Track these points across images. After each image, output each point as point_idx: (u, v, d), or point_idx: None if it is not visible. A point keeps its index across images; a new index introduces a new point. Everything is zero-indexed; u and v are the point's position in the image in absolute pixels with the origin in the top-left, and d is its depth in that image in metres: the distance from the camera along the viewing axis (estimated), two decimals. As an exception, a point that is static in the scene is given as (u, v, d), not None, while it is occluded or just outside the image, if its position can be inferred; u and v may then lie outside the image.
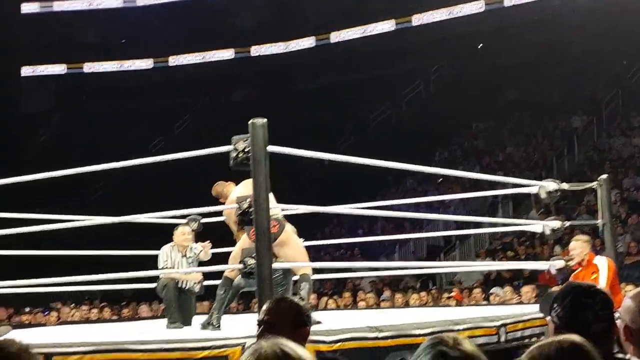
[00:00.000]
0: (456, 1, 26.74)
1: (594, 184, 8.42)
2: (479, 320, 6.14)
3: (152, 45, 30.51)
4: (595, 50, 22.98)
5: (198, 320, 7.14)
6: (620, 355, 2.61)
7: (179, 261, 7.43)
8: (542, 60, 24.60)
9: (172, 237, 7.57)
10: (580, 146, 21.20)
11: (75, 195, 23.77)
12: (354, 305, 12.74)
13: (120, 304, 14.64)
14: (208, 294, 8.72)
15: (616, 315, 2.68)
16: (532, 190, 8.35)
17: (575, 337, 2.22)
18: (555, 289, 7.23)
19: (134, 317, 12.32)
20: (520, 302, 10.60)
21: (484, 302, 11.63)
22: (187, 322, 7.33)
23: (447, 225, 17.89)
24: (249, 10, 30.97)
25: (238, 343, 4.75)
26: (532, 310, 6.48)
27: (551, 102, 24.03)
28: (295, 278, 6.82)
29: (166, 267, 7.38)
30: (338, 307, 12.25)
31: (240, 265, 5.57)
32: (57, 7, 31.13)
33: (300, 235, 7.02)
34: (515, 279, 14.50)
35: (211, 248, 7.74)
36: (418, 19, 27.61)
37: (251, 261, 5.34)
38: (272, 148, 5.28)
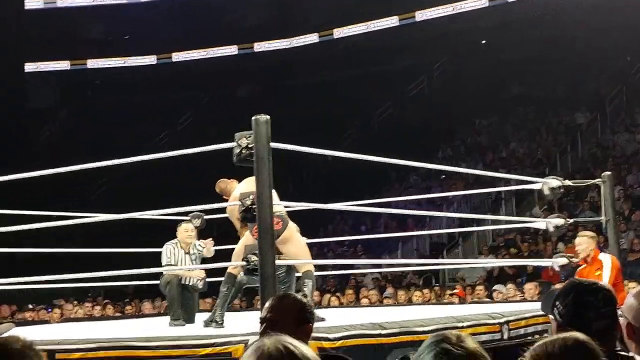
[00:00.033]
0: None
1: (597, 181, 8.42)
2: (482, 318, 6.13)
3: (156, 41, 30.49)
4: (599, 46, 22.94)
5: (201, 317, 7.14)
6: (623, 353, 2.60)
7: (182, 258, 7.44)
8: (546, 56, 24.56)
9: (176, 234, 7.57)
10: (584, 143, 21.18)
11: (78, 191, 23.79)
12: (356, 302, 12.74)
13: (123, 301, 14.66)
14: (211, 290, 8.73)
15: (619, 312, 2.68)
16: (536, 187, 8.34)
17: (579, 335, 2.21)
18: (558, 286, 7.23)
19: (137, 314, 12.34)
20: (524, 299, 10.59)
21: (487, 299, 11.62)
22: (190, 319, 7.34)
23: (450, 222, 17.89)
24: (252, 6, 30.94)
25: (241, 340, 4.75)
26: (535, 307, 6.46)
27: (555, 98, 24.00)
28: (297, 275, 6.82)
29: (169, 264, 7.38)
30: (341, 304, 12.25)
31: (243, 262, 5.57)
32: (60, 3, 31.12)
33: (302, 232, 7.02)
34: (519, 276, 14.50)
35: (214, 245, 7.75)
36: (421, 15, 27.56)
37: (254, 258, 5.34)
38: (275, 144, 5.27)
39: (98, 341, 5.11)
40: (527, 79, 25.34)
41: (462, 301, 11.82)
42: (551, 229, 8.18)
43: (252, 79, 29.80)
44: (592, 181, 8.76)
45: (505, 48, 25.83)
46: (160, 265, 7.44)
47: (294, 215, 6.85)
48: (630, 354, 2.59)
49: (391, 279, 16.21)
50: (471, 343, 2.05)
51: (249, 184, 6.12)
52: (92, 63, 31.30)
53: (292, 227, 6.55)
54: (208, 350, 4.78)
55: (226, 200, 7.04)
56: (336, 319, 6.27)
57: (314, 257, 6.90)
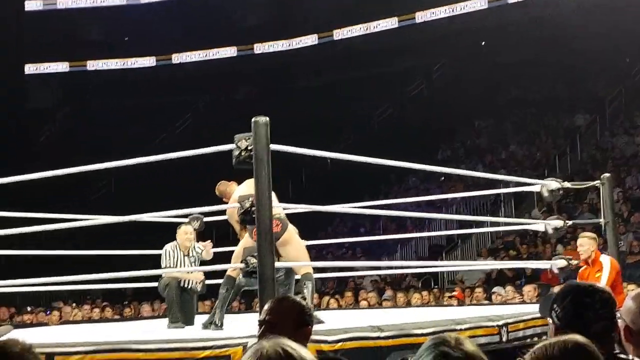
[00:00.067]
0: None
1: (596, 183, 8.44)
2: (480, 320, 6.14)
3: (155, 43, 30.50)
4: (598, 48, 22.95)
5: (200, 319, 7.14)
6: (622, 356, 2.61)
7: (182, 260, 7.44)
8: (545, 58, 24.57)
9: (175, 236, 7.57)
10: (583, 145, 21.18)
11: (77, 193, 23.79)
12: (355, 304, 12.74)
13: (122, 304, 14.66)
14: (210, 293, 8.73)
15: (617, 314, 2.68)
16: (535, 189, 8.35)
17: (579, 338, 2.22)
18: (557, 288, 7.24)
19: (136, 317, 12.33)
20: (522, 302, 10.59)
21: (486, 302, 11.62)
22: (188, 321, 7.34)
23: (449, 224, 17.89)
24: (252, 9, 30.96)
25: (240, 343, 4.75)
26: (534, 309, 6.47)
27: (554, 100, 24.01)
28: (297, 277, 6.82)
29: (168, 267, 7.38)
30: (340, 307, 12.25)
31: (242, 265, 5.56)
32: (60, 4, 31.12)
33: (301, 234, 7.02)
34: (517, 278, 14.51)
35: (213, 247, 7.75)
36: (421, 17, 27.58)
37: (253, 260, 5.34)
38: (274, 146, 5.27)
39: (97, 344, 5.11)
40: (526, 81, 25.35)
41: (461, 303, 11.82)
42: (550, 231, 8.18)
43: (252, 81, 29.81)
44: (591, 183, 8.78)
45: (505, 50, 25.84)
46: (159, 268, 7.43)
47: (293, 218, 6.85)
48: (630, 356, 2.59)
49: (390, 281, 16.21)
50: (470, 346, 2.05)
51: (248, 187, 6.12)
52: (92, 65, 31.31)
53: (292, 230, 6.55)
54: (207, 352, 4.78)
55: (226, 203, 7.04)
56: (335, 322, 6.27)
57: (312, 259, 6.90)
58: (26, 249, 10.37)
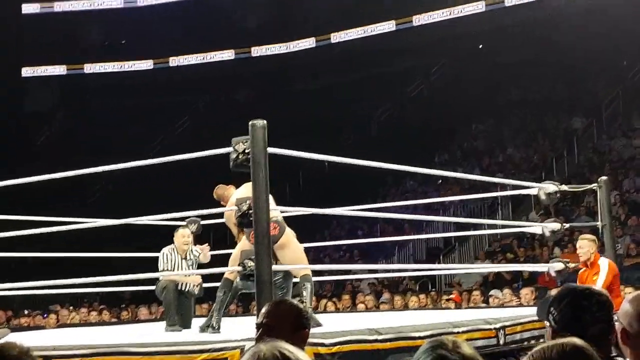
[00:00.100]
0: (457, 1, 26.72)
1: (593, 186, 8.44)
2: (478, 323, 6.13)
3: (153, 46, 30.50)
4: (596, 51, 22.98)
5: (197, 322, 7.14)
6: (619, 359, 2.61)
7: (179, 263, 7.43)
8: (543, 60, 24.59)
9: (173, 239, 7.57)
10: (581, 147, 21.20)
11: (74, 196, 23.76)
12: (353, 307, 12.74)
13: (119, 307, 14.64)
14: (207, 296, 8.73)
15: (615, 317, 2.68)
16: (532, 191, 8.36)
17: (577, 341, 2.22)
18: (554, 291, 7.24)
19: (133, 320, 12.32)
20: (520, 305, 10.60)
21: (483, 305, 11.63)
22: (186, 324, 7.33)
23: (446, 227, 17.89)
24: (250, 11, 30.95)
25: (237, 346, 4.74)
26: (532, 312, 6.47)
27: (551, 103, 24.03)
28: (295, 280, 6.82)
29: (166, 270, 7.38)
30: (337, 310, 12.25)
31: (240, 268, 5.56)
32: (57, 7, 31.10)
33: (299, 237, 7.02)
34: (515, 281, 14.51)
35: (210, 250, 7.75)
36: (418, 19, 27.59)
37: (250, 263, 5.33)
38: (272, 149, 5.27)
39: (94, 347, 5.11)
40: (523, 83, 25.38)
41: (459, 306, 11.83)
42: (547, 233, 8.19)
43: (249, 84, 29.81)
44: (589, 186, 8.78)
45: (502, 52, 25.87)
46: (157, 271, 7.43)
47: (290, 220, 6.86)
48: (627, 359, 2.59)
49: (387, 284, 16.21)
50: (467, 349, 2.06)
51: (246, 190, 6.13)
52: (89, 68, 31.30)
53: (289, 233, 6.55)
54: (204, 355, 4.77)
55: (224, 206, 7.04)
56: (332, 325, 6.27)
57: (310, 262, 6.89)
58: (23, 252, 10.36)
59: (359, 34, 28.54)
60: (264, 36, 29.86)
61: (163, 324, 7.45)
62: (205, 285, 7.72)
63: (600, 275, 7.70)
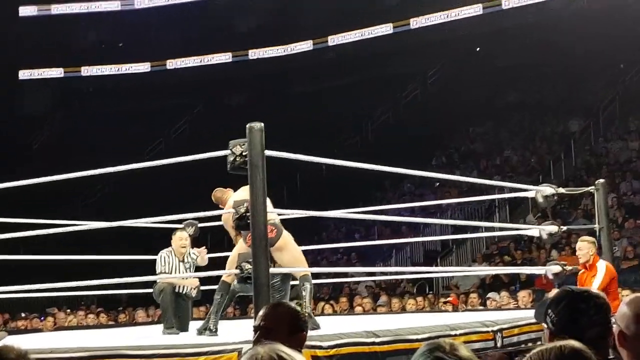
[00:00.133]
0: (454, 4, 26.75)
1: (591, 189, 8.45)
2: (475, 326, 6.13)
3: (150, 49, 30.51)
4: (593, 54, 23.01)
5: (194, 325, 7.13)
6: (617, 361, 2.61)
7: (177, 266, 7.43)
8: (540, 63, 24.64)
9: (170, 242, 7.56)
10: (578, 150, 21.23)
11: (71, 198, 23.74)
12: (350, 310, 12.73)
13: (116, 310, 14.63)
14: (205, 299, 8.72)
15: (612, 320, 2.68)
16: (529, 194, 8.36)
17: (575, 343, 2.22)
18: (551, 293, 7.24)
19: (131, 323, 12.30)
20: (517, 307, 10.60)
21: (481, 307, 11.63)
22: (183, 327, 7.32)
23: (443, 229, 17.90)
24: (247, 14, 30.98)
25: (234, 349, 4.74)
26: (529, 315, 6.47)
27: (548, 105, 24.06)
28: (294, 283, 6.82)
29: (163, 272, 7.37)
30: (335, 312, 12.24)
31: (237, 270, 5.56)
32: (55, 10, 31.10)
33: (296, 240, 7.01)
34: (512, 284, 14.52)
35: (208, 253, 7.74)
36: (416, 22, 27.62)
37: (248, 266, 5.33)
38: (269, 152, 5.27)
39: (91, 349, 5.10)
40: (521, 86, 25.41)
41: (456, 309, 11.82)
42: (545, 236, 8.19)
43: (246, 87, 29.82)
44: (586, 189, 8.79)
45: (499, 55, 25.91)
46: (154, 273, 7.42)
47: (287, 223, 6.85)
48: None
49: (385, 286, 16.21)
50: (464, 351, 2.06)
51: (244, 193, 6.12)
52: (86, 70, 31.29)
53: (287, 235, 6.55)
54: (202, 358, 4.77)
55: (222, 209, 7.04)
56: (330, 327, 6.26)
57: (307, 264, 6.88)
58: (20, 255, 10.35)
59: (357, 37, 28.57)
60: (261, 39, 29.87)
61: (160, 326, 7.44)
62: (202, 287, 7.71)
63: (597, 277, 7.71)
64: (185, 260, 7.50)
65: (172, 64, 31.01)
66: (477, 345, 5.73)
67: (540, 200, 8.05)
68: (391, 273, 16.06)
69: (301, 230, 8.27)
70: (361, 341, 5.17)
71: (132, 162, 6.38)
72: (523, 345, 6.15)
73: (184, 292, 7.47)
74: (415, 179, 21.03)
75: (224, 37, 30.48)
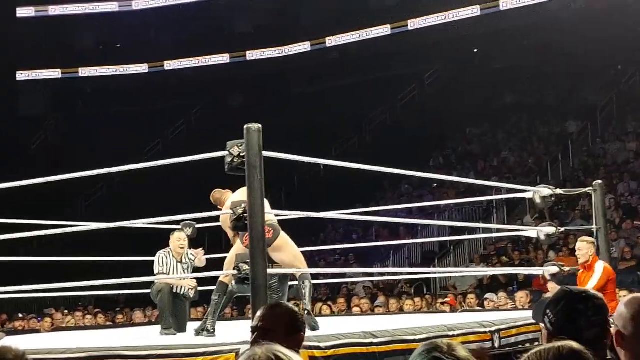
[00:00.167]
0: (452, 6, 26.77)
1: (588, 189, 8.46)
2: (473, 326, 6.14)
3: (148, 50, 30.50)
4: (591, 55, 23.03)
5: (192, 326, 7.13)
6: (615, 362, 2.61)
7: (174, 267, 7.43)
8: (537, 64, 24.65)
9: (168, 242, 7.56)
10: (575, 151, 21.24)
11: (70, 199, 23.74)
12: (348, 311, 12.73)
13: (114, 310, 14.62)
14: (202, 299, 8.71)
15: (611, 320, 2.68)
16: (527, 195, 8.37)
17: (573, 344, 2.22)
18: (549, 294, 7.25)
19: (128, 324, 12.30)
20: (515, 308, 10.60)
21: (479, 308, 11.63)
22: (181, 328, 7.32)
23: (441, 230, 17.91)
24: (245, 15, 30.98)
25: (232, 349, 4.74)
26: (526, 315, 6.48)
27: (546, 107, 24.08)
28: (291, 283, 6.82)
29: (161, 273, 7.36)
30: (332, 313, 12.24)
31: (235, 271, 5.56)
32: (52, 11, 31.08)
33: (294, 241, 7.01)
34: (510, 285, 14.53)
35: (205, 254, 7.74)
36: (414, 24, 27.63)
37: (245, 267, 5.33)
38: (267, 153, 5.27)
39: (89, 350, 5.10)
40: (518, 87, 25.43)
41: (454, 310, 11.82)
42: (542, 237, 8.20)
43: (244, 88, 29.81)
44: (583, 190, 8.81)
45: (497, 57, 25.93)
46: (152, 274, 7.42)
47: (285, 224, 6.85)
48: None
49: (383, 287, 16.21)
50: (462, 352, 2.06)
51: (242, 194, 6.12)
52: (84, 71, 31.27)
53: (284, 236, 6.55)
54: (199, 359, 4.77)
55: (221, 210, 7.03)
56: (328, 328, 6.26)
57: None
58: (17, 256, 10.34)
59: (355, 38, 28.58)
60: (259, 40, 29.87)
61: (158, 327, 7.43)
62: (200, 288, 7.71)
63: (593, 277, 7.72)
64: (183, 260, 7.49)
65: (169, 65, 31.00)
66: (474, 346, 5.73)
67: (538, 201, 8.05)
68: (389, 274, 16.07)
69: (299, 231, 8.27)
70: (359, 342, 5.17)
71: (130, 162, 6.38)
72: (520, 346, 6.16)
73: (181, 293, 7.47)
74: (413, 180, 21.03)
75: (222, 38, 30.49)
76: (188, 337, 6.70)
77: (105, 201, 25.15)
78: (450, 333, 5.72)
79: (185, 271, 7.43)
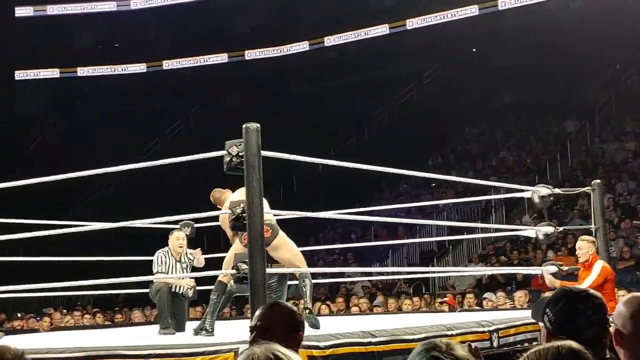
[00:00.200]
0: (450, 5, 26.76)
1: (587, 189, 8.47)
2: (471, 326, 6.14)
3: (146, 49, 30.48)
4: (589, 55, 23.03)
5: (191, 325, 7.13)
6: (614, 361, 2.61)
7: (173, 266, 7.43)
8: (536, 63, 24.65)
9: (167, 242, 7.56)
10: (574, 151, 21.24)
11: (68, 199, 23.72)
12: (347, 310, 12.74)
13: (112, 310, 14.61)
14: (201, 299, 8.72)
15: (610, 319, 2.68)
16: (525, 195, 8.37)
17: (572, 343, 2.22)
18: (548, 293, 7.25)
19: (127, 323, 12.30)
20: (513, 307, 10.61)
21: (477, 307, 11.64)
22: (180, 327, 7.32)
23: (440, 230, 17.91)
24: (243, 14, 30.96)
25: (231, 349, 4.74)
26: (525, 315, 6.48)
27: (544, 106, 24.08)
28: (290, 283, 6.82)
29: (160, 272, 7.37)
30: (331, 313, 12.24)
31: (234, 271, 5.56)
32: (50, 10, 31.05)
33: (293, 240, 7.01)
34: (508, 284, 14.53)
35: (204, 253, 7.74)
36: (412, 23, 27.62)
37: (244, 266, 5.33)
38: (265, 153, 5.27)
39: (87, 350, 5.10)
40: (516, 87, 25.42)
41: (452, 309, 11.83)
42: (541, 237, 8.20)
43: (243, 87, 29.80)
44: (582, 189, 8.81)
45: (496, 56, 25.92)
46: (151, 274, 7.42)
47: (284, 224, 6.85)
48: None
49: (381, 287, 16.21)
50: (461, 351, 2.06)
51: (241, 193, 6.12)
52: (82, 71, 31.25)
53: (283, 235, 6.55)
54: (198, 358, 4.77)
55: (220, 210, 7.04)
56: (326, 327, 6.26)
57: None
58: (16, 255, 10.35)
59: (353, 38, 28.57)
60: (258, 39, 29.85)
61: (157, 326, 7.44)
62: (199, 288, 7.71)
63: (590, 276, 7.73)
64: (182, 260, 7.49)
65: (168, 64, 30.98)
66: (473, 345, 5.73)
67: (537, 200, 8.06)
68: (387, 273, 16.06)
69: (298, 231, 8.27)
70: (358, 341, 5.17)
71: (129, 162, 6.38)
72: (519, 346, 6.16)
73: (180, 292, 7.47)
74: (412, 180, 21.03)
75: (220, 37, 30.47)
76: (187, 337, 6.71)
77: (103, 201, 25.14)
78: (449, 332, 5.73)
79: (184, 270, 7.43)
